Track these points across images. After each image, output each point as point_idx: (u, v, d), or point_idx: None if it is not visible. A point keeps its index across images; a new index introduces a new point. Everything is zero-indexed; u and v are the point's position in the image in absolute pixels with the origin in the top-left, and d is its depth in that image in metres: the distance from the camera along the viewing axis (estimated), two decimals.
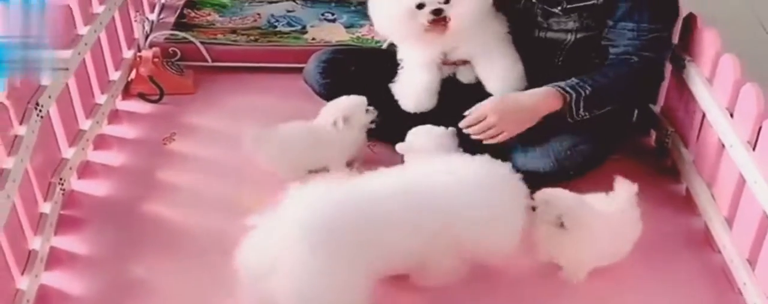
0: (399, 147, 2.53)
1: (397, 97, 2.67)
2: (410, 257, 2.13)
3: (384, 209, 2.07)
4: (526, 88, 2.54)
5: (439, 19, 2.46)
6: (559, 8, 2.53)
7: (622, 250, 2.28)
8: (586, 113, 2.48)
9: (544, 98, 2.47)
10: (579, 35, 2.57)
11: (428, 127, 2.55)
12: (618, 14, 2.49)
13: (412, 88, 2.65)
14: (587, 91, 2.45)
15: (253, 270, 1.98)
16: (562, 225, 2.16)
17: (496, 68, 2.59)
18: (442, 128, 2.53)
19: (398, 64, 2.71)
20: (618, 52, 2.52)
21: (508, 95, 2.51)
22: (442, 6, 2.45)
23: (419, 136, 2.53)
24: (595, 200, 2.25)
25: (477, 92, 2.59)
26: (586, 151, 2.51)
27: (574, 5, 2.51)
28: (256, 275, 1.98)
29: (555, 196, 2.19)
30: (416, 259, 2.15)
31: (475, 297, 2.24)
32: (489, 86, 2.60)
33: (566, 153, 2.48)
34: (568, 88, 2.46)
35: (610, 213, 2.23)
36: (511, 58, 2.60)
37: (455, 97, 2.63)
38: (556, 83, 2.48)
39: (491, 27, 2.60)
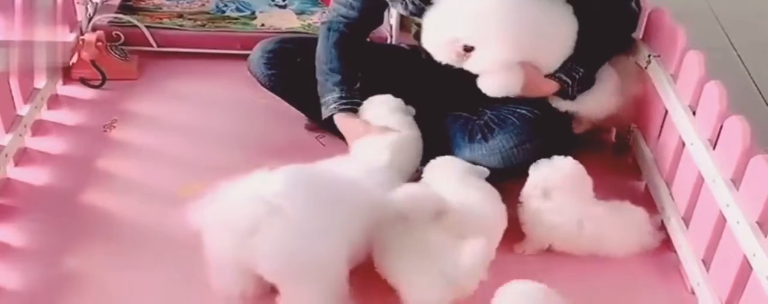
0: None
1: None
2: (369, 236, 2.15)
3: (349, 187, 2.15)
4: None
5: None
6: None
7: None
8: (580, 87, 2.54)
9: (546, 81, 2.52)
10: None
11: (385, 97, 2.54)
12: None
13: None
14: (579, 74, 2.50)
15: (233, 231, 1.95)
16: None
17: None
18: (397, 100, 2.53)
19: None
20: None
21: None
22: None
23: (374, 105, 2.54)
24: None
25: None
26: (532, 149, 2.48)
27: None
28: (236, 235, 1.94)
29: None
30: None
31: None
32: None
33: (512, 151, 2.47)
34: (563, 76, 2.51)
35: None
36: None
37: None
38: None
39: None
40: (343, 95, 2.58)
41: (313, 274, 2.00)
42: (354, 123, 2.55)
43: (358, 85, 2.61)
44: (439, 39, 2.46)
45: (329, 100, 2.59)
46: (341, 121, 2.58)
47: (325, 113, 2.60)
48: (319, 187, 2.06)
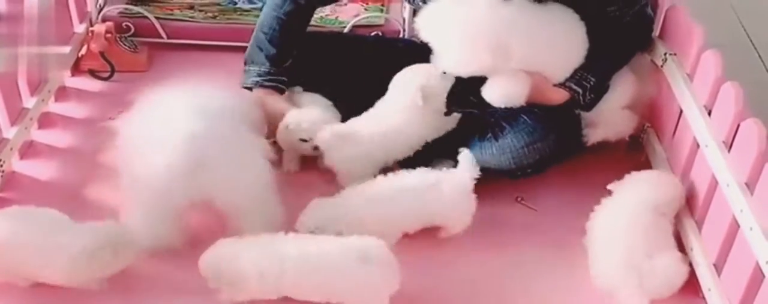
0: None
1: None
2: None
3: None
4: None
5: None
6: None
7: None
8: (593, 95, 2.53)
9: (556, 90, 2.51)
10: None
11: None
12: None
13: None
14: (591, 83, 2.48)
15: (178, 168, 2.08)
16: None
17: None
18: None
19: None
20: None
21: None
22: None
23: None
24: None
25: None
26: (542, 148, 2.47)
27: None
28: (184, 173, 2.08)
29: None
30: None
31: None
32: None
33: (523, 151, 2.45)
34: (574, 86, 2.49)
35: None
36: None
37: None
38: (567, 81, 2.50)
39: None
40: (271, 71, 2.62)
41: (260, 190, 2.19)
42: (273, 100, 2.60)
43: (288, 62, 2.65)
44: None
45: (253, 72, 2.64)
46: (260, 95, 2.62)
47: (245, 80, 2.65)
48: (220, 111, 2.23)
